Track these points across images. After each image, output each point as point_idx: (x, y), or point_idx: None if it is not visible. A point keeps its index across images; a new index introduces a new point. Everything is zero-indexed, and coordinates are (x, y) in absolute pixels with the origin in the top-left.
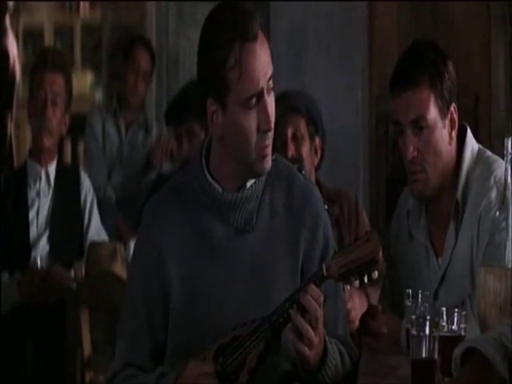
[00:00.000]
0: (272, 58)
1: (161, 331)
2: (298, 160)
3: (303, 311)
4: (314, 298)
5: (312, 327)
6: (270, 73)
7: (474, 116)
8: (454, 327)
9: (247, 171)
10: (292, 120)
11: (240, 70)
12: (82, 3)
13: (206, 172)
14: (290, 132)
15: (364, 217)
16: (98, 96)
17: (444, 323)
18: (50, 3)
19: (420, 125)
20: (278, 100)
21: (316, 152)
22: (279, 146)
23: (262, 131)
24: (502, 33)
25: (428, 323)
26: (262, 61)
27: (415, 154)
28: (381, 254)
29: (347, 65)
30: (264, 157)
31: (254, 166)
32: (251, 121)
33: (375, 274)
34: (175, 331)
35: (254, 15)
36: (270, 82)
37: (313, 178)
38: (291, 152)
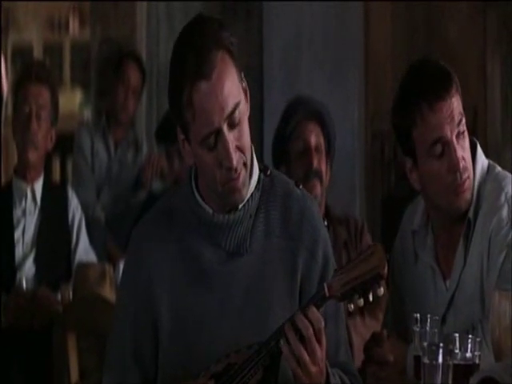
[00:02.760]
0: (244, 84)
1: (150, 362)
2: (319, 174)
3: (301, 335)
4: (313, 321)
5: (306, 350)
6: (230, 106)
7: (473, 131)
8: (468, 355)
9: (222, 201)
10: (315, 129)
11: (193, 110)
12: (71, 21)
13: (196, 193)
14: (313, 140)
15: (368, 239)
16: (88, 114)
17: (457, 350)
18: (39, 21)
19: (462, 129)
20: (302, 103)
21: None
22: (296, 156)
23: (224, 168)
24: (497, 50)
25: (441, 351)
26: (218, 97)
27: (464, 162)
28: (386, 268)
29: (342, 83)
30: (232, 191)
31: (224, 198)
32: (211, 159)
33: (380, 290)
34: (165, 362)
35: (211, 46)
36: (236, 114)
37: (323, 199)
38: (316, 163)
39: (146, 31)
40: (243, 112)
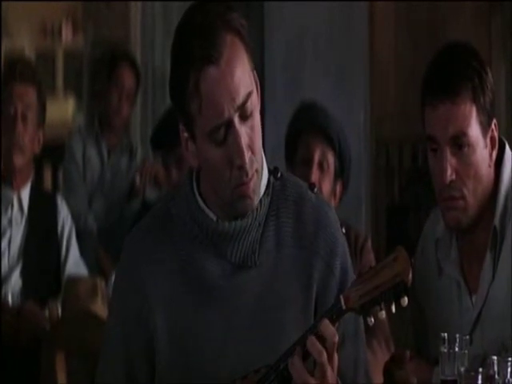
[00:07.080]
0: (255, 75)
1: None
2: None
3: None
4: (327, 336)
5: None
6: (242, 96)
7: None
8: (509, 380)
9: (228, 208)
10: (322, 145)
11: (200, 100)
12: (64, 29)
13: (198, 197)
14: (317, 156)
15: (370, 258)
16: (81, 122)
17: (496, 376)
18: (32, 28)
19: (460, 143)
20: (309, 110)
21: (335, 196)
22: (299, 168)
23: (235, 166)
24: (502, 51)
25: (480, 377)
26: (229, 84)
27: (454, 177)
28: (410, 275)
29: (347, 87)
30: (242, 197)
31: (232, 205)
32: (221, 155)
33: (405, 300)
34: None
35: (219, 27)
36: (248, 105)
37: None
38: (314, 180)
39: (140, 33)
40: (255, 104)
